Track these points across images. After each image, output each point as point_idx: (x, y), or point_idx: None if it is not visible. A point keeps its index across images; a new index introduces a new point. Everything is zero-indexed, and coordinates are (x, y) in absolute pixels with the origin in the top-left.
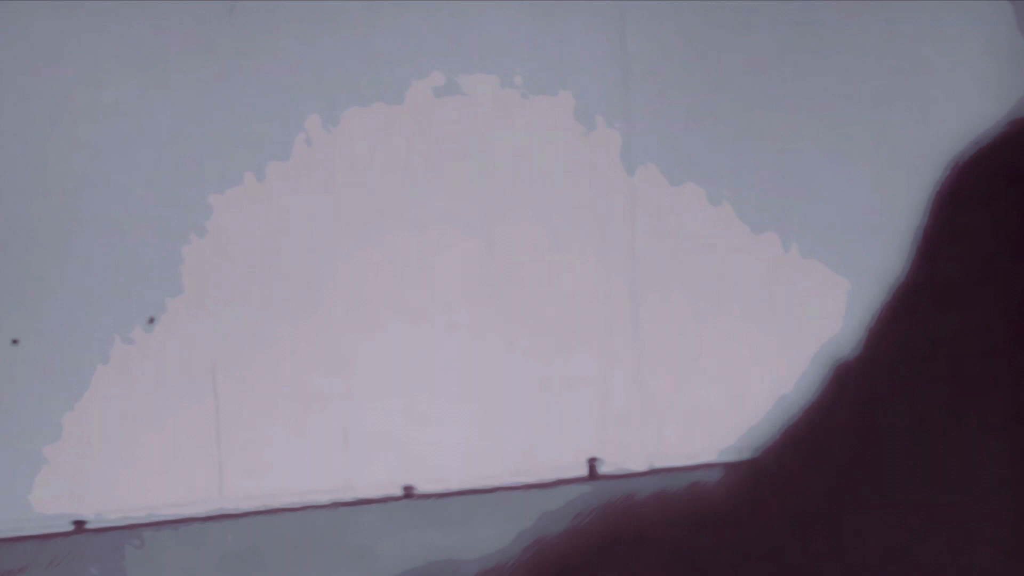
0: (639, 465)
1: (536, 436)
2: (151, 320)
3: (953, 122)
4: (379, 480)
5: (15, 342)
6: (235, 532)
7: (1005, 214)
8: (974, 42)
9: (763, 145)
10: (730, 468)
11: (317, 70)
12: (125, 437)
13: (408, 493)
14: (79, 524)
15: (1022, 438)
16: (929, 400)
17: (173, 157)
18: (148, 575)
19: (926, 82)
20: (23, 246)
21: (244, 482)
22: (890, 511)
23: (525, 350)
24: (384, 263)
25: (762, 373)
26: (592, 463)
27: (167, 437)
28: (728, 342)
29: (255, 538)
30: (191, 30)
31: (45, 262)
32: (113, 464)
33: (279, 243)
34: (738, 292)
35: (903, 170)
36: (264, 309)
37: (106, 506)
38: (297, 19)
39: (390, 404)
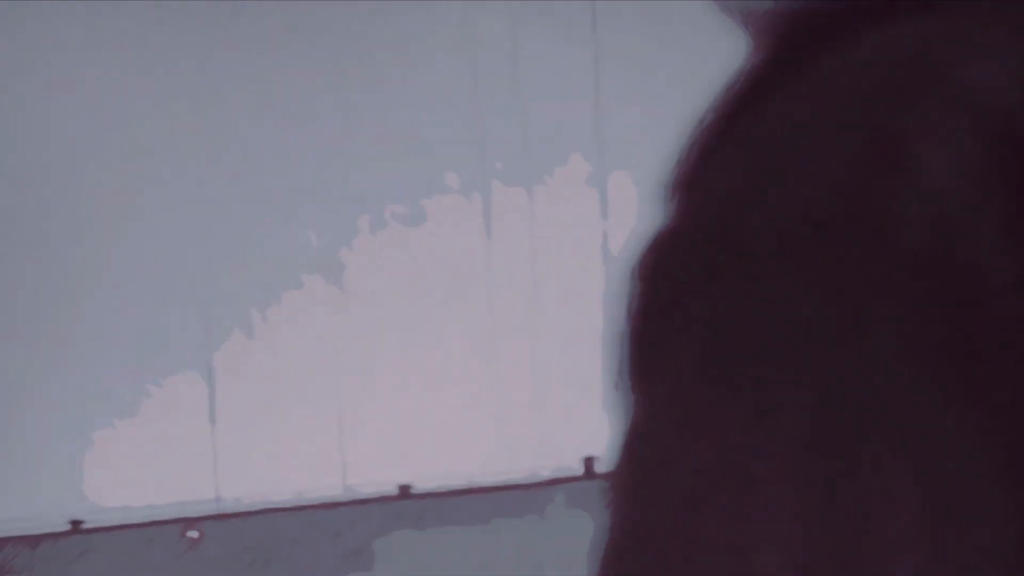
0: None
1: (538, 434)
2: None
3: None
4: (376, 479)
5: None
6: (231, 532)
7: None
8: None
9: None
10: None
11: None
12: (123, 438)
13: (405, 492)
14: (76, 524)
15: None
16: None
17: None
18: (144, 574)
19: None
20: (21, 245)
21: (240, 481)
22: None
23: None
24: (383, 263)
25: None
26: (589, 462)
27: (163, 438)
28: None
29: (251, 538)
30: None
31: (40, 263)
32: (109, 464)
33: (265, 240)
34: None
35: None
36: (259, 309)
37: (103, 505)
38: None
39: (389, 402)
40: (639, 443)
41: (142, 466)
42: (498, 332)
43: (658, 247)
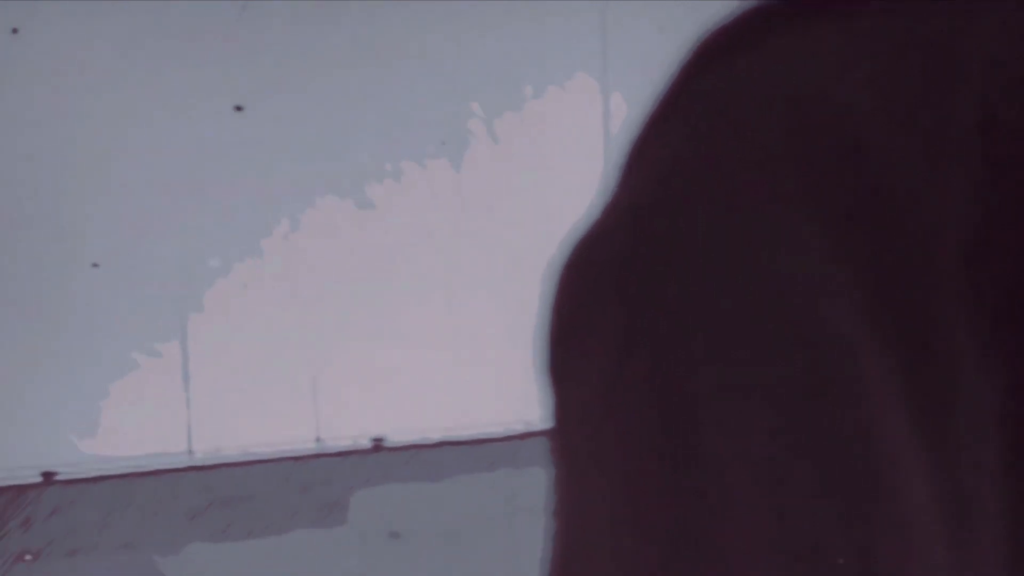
0: None
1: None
2: (95, 265)
3: None
4: (349, 432)
5: None
6: (204, 485)
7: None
8: None
9: None
10: None
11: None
12: (94, 388)
13: (378, 446)
14: (48, 475)
15: None
16: None
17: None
18: (116, 527)
19: None
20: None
21: (212, 434)
22: None
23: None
24: (355, 212)
25: None
26: None
27: (136, 390)
28: None
29: (224, 491)
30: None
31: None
32: (82, 416)
33: (245, 187)
34: None
35: None
36: (232, 259)
37: (75, 457)
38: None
39: (362, 355)
40: (566, 446)
41: (115, 419)
42: (473, 284)
43: (577, 252)
